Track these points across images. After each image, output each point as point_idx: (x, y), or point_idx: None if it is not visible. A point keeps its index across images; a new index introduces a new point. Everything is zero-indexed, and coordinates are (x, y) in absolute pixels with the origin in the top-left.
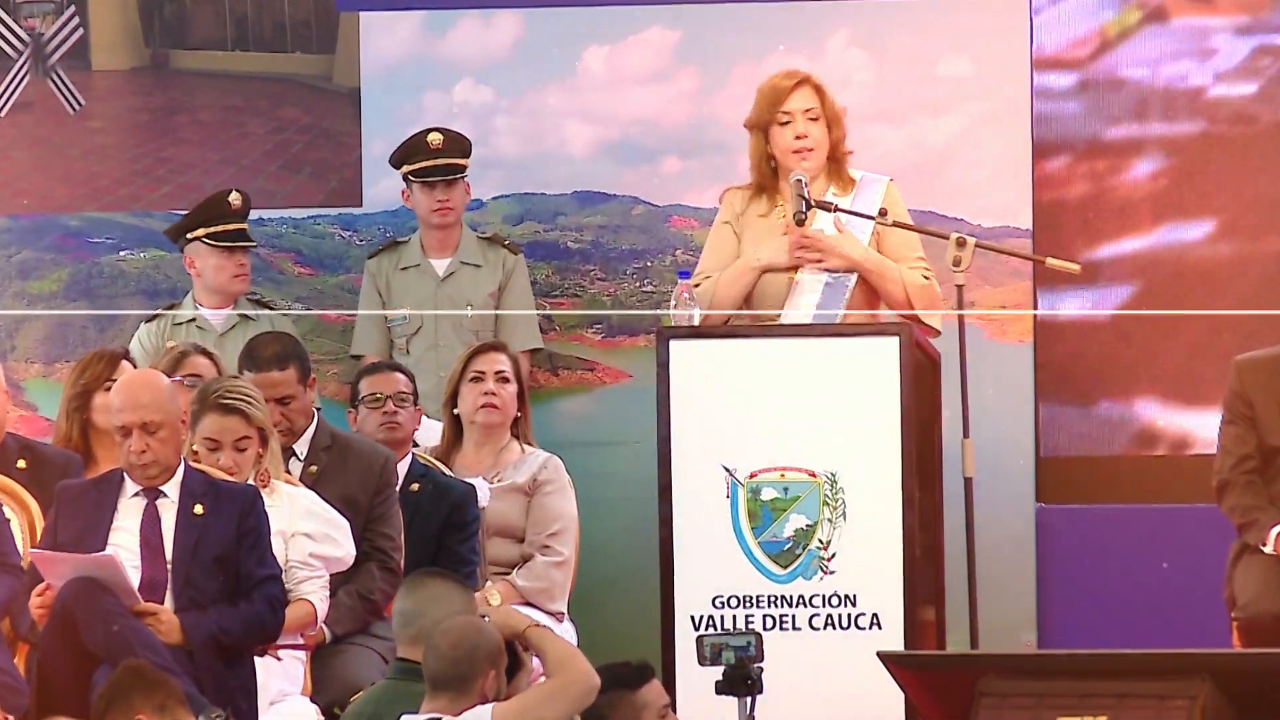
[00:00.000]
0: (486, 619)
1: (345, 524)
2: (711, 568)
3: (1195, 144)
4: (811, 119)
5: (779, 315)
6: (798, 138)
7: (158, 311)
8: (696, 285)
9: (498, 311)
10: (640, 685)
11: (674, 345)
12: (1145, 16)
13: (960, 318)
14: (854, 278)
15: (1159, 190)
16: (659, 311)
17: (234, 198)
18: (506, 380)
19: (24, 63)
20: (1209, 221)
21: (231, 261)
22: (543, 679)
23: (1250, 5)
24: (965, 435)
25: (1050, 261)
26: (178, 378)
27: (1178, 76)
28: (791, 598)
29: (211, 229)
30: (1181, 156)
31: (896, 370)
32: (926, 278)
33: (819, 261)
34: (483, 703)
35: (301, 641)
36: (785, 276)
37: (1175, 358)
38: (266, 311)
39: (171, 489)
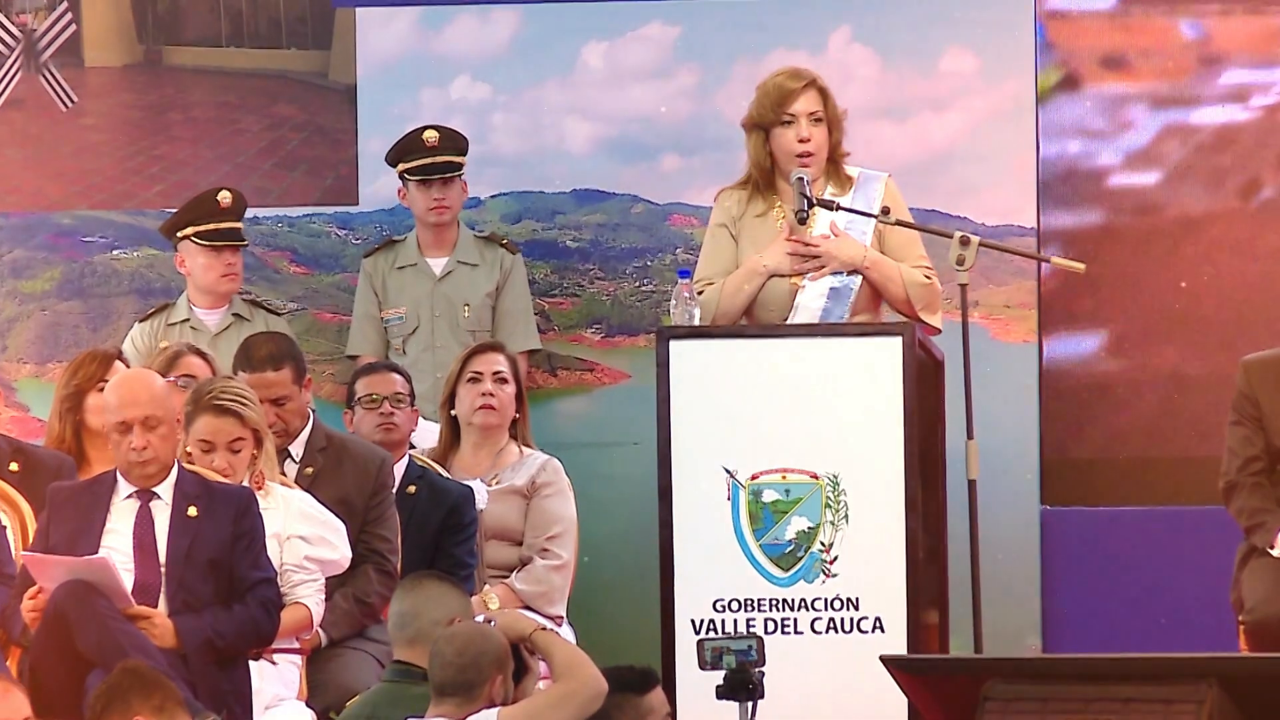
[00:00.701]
0: (493, 623)
1: (341, 526)
2: (712, 571)
3: (1094, 237)
4: (815, 121)
5: (785, 326)
6: (801, 140)
7: (170, 292)
8: (700, 293)
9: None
10: (646, 690)
11: (674, 345)
12: (1062, 81)
13: (964, 319)
14: (858, 280)
15: (1050, 292)
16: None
17: (223, 196)
18: (504, 381)
19: (16, 59)
20: (1100, 332)
21: (220, 261)
22: (549, 683)
23: (1168, 71)
24: (969, 436)
25: (1055, 260)
26: (171, 378)
27: (1084, 154)
28: (793, 601)
29: (200, 228)
30: (1079, 250)
31: (899, 371)
32: (928, 277)
33: (821, 269)
34: (489, 707)
35: (297, 645)
36: (788, 282)
37: None
38: (264, 308)
39: (165, 490)
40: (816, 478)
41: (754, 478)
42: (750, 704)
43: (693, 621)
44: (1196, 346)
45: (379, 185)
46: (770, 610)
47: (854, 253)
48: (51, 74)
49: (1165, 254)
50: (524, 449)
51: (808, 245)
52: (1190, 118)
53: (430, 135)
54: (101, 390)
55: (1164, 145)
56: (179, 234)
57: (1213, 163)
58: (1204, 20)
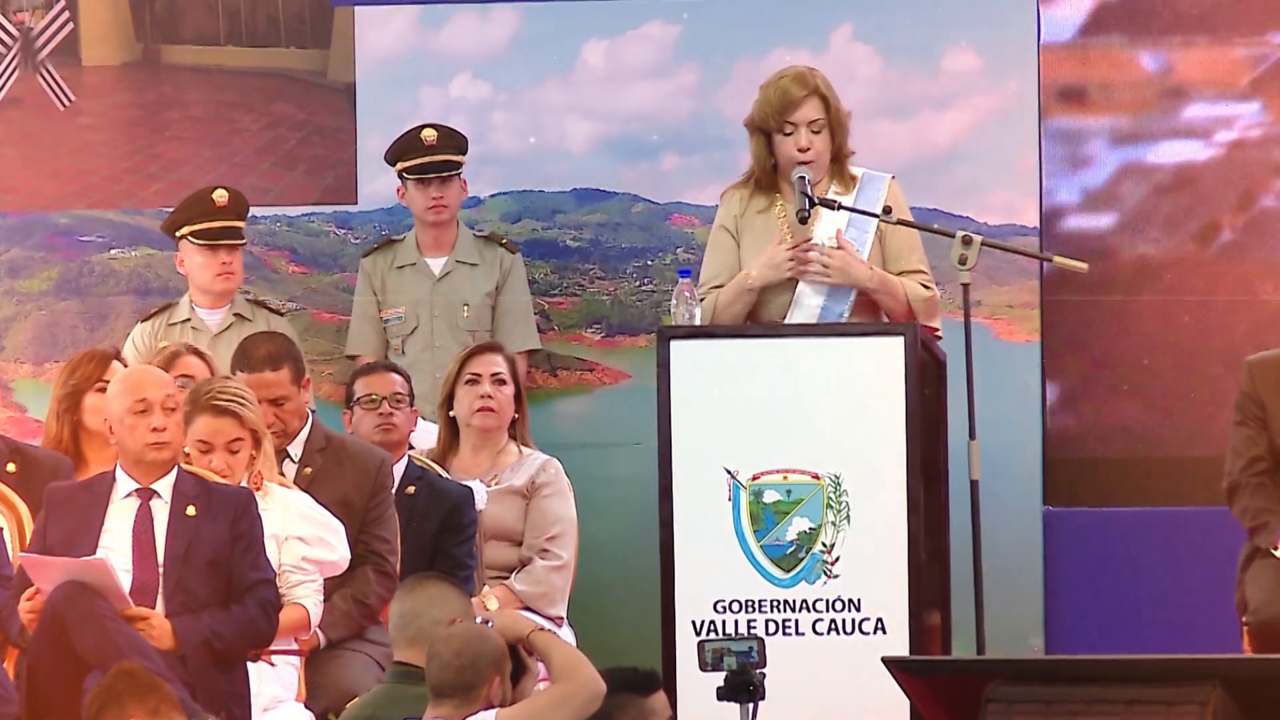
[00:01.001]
0: (491, 624)
1: (340, 527)
2: (713, 571)
3: (1050, 282)
4: (815, 131)
5: (785, 326)
6: (801, 150)
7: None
8: (702, 299)
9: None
10: (650, 692)
11: (674, 345)
12: None
13: (967, 319)
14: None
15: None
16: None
17: (219, 195)
18: (503, 382)
19: (13, 58)
20: (1053, 385)
21: (215, 259)
22: (548, 684)
23: (1130, 104)
24: (971, 437)
25: (1057, 260)
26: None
27: (1044, 192)
28: (794, 602)
29: (195, 226)
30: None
31: (901, 371)
32: (927, 287)
33: (826, 279)
34: (487, 708)
35: (295, 646)
36: (788, 283)
37: None
38: (267, 307)
39: (164, 489)
40: (818, 478)
41: (755, 478)
42: (751, 706)
43: (693, 623)
44: (1157, 398)
45: (378, 184)
46: (771, 611)
47: (859, 273)
48: (49, 73)
49: (1112, 306)
50: (523, 449)
51: (806, 250)
52: (1150, 155)
53: (429, 134)
54: (100, 390)
55: (1122, 184)
56: (177, 233)
57: (1171, 202)
58: (1166, 52)
